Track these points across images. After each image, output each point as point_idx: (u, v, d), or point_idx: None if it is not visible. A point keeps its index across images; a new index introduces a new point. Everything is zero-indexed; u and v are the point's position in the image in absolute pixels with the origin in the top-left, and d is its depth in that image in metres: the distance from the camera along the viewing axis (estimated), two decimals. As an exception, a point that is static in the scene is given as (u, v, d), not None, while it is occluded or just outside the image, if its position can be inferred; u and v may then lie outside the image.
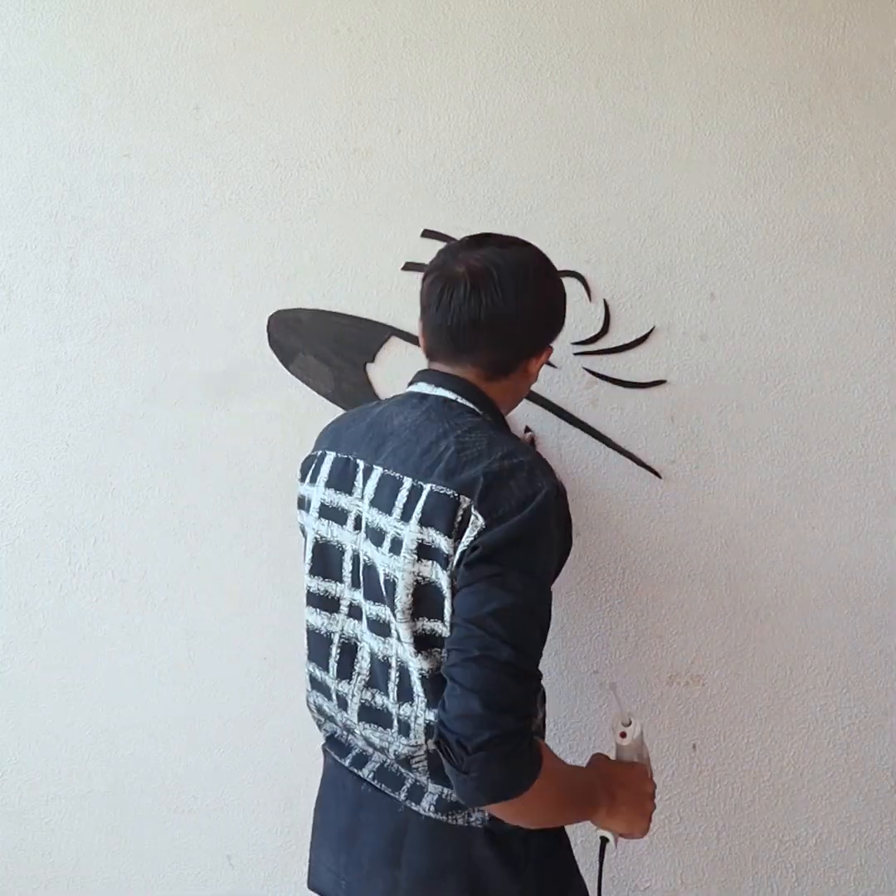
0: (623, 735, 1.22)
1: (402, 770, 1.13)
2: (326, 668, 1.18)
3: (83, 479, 1.62)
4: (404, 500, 1.06)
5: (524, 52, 1.54)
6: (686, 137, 1.56)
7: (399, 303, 1.57)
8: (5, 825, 1.70)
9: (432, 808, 1.10)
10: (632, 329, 1.58)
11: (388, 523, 1.07)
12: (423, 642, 1.06)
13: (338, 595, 1.17)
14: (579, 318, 1.57)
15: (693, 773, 1.66)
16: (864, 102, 1.56)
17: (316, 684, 1.22)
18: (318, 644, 1.19)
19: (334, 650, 1.17)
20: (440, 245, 1.56)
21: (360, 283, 1.57)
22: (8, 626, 1.66)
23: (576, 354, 1.58)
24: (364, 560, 1.11)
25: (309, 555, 1.20)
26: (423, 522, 1.04)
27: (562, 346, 1.58)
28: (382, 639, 1.11)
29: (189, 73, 1.56)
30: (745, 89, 1.55)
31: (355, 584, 1.15)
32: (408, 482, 1.07)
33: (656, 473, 1.60)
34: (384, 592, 1.08)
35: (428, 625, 1.05)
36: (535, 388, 1.58)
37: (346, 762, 1.19)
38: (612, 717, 1.26)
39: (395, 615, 1.06)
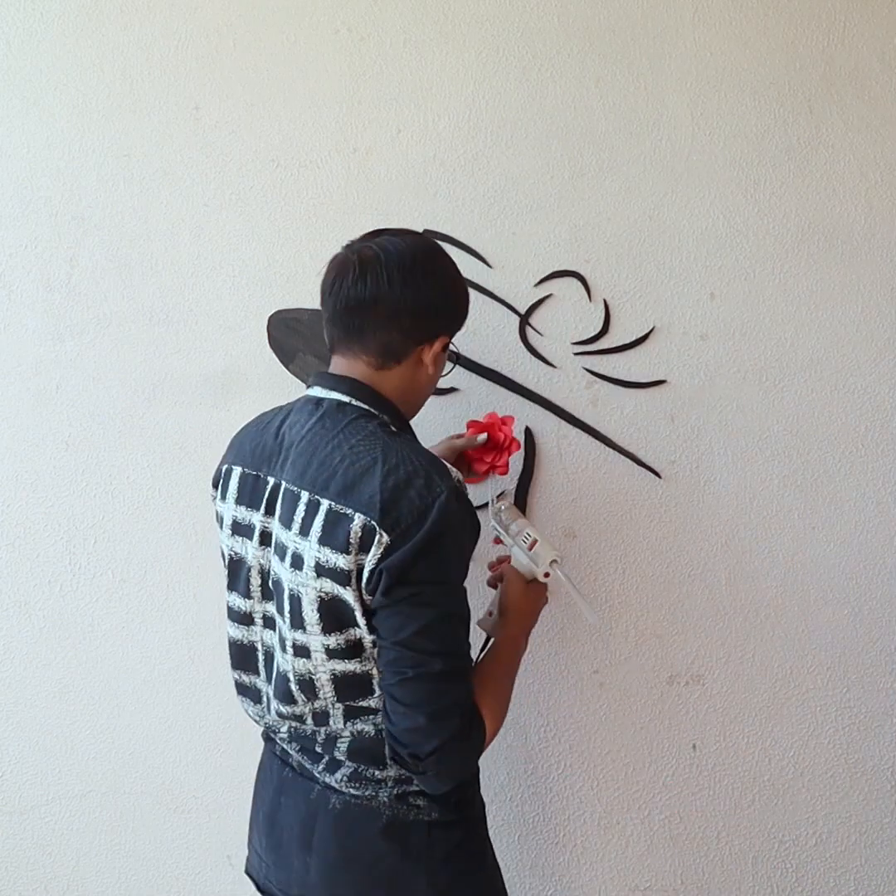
0: (546, 576, 1.27)
1: (320, 747, 1.15)
2: (257, 673, 1.20)
3: (83, 479, 1.62)
4: (302, 515, 1.07)
5: (524, 52, 1.54)
6: (686, 137, 1.56)
7: (399, 303, 1.56)
8: (5, 825, 1.70)
9: (345, 781, 1.13)
10: (632, 329, 1.58)
11: (289, 539, 1.08)
12: (334, 654, 1.08)
13: (249, 610, 1.18)
14: (579, 318, 1.57)
15: (693, 773, 1.66)
16: (864, 102, 1.56)
17: (243, 689, 1.23)
18: (242, 654, 1.21)
19: (260, 656, 1.19)
20: (440, 245, 1.56)
21: (360, 283, 1.57)
22: (8, 626, 1.66)
23: (576, 354, 1.58)
24: (272, 575, 1.13)
25: (225, 570, 1.21)
26: (321, 541, 1.04)
27: (562, 346, 1.58)
28: (281, 653, 1.13)
29: (189, 73, 1.56)
30: (745, 89, 1.55)
31: (265, 596, 1.16)
32: (304, 496, 1.07)
33: (656, 473, 1.60)
34: (289, 607, 1.09)
35: (340, 637, 1.07)
36: (534, 388, 1.58)
37: (278, 737, 1.21)
38: (539, 553, 1.27)
39: (303, 629, 1.08)
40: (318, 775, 1.16)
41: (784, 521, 1.61)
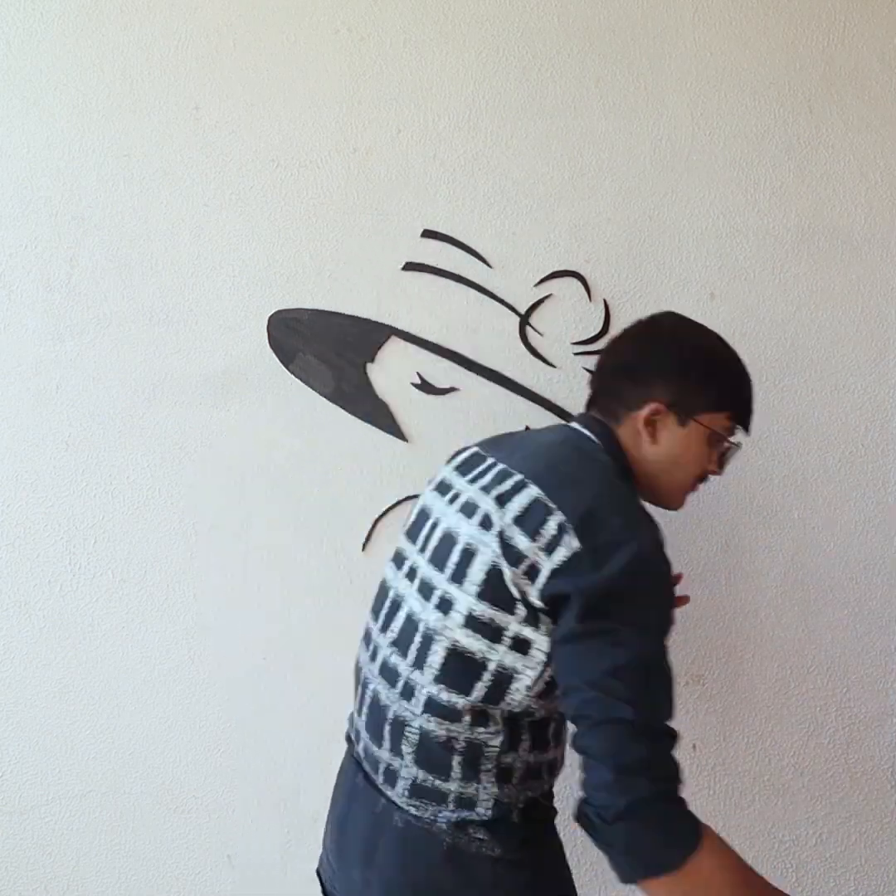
0: None
1: (382, 752, 1.13)
2: (377, 618, 1.20)
3: (83, 479, 1.62)
4: (507, 488, 1.07)
5: (524, 52, 1.54)
6: (686, 137, 1.56)
7: (399, 303, 1.57)
8: (5, 825, 1.70)
9: (406, 793, 1.10)
10: (632, 329, 1.58)
11: (485, 501, 1.08)
12: (472, 623, 1.04)
13: (406, 554, 1.19)
14: (579, 318, 1.57)
15: (693, 773, 1.65)
16: (864, 102, 1.56)
17: (364, 635, 1.24)
18: (379, 595, 1.22)
19: (387, 603, 1.19)
20: (440, 245, 1.56)
21: (360, 283, 1.57)
22: (8, 626, 1.66)
23: (576, 354, 1.58)
24: (447, 529, 1.12)
25: (412, 518, 1.23)
26: (515, 520, 1.03)
27: (562, 347, 1.58)
28: (423, 602, 1.11)
29: (189, 73, 1.56)
30: (745, 89, 1.55)
31: (423, 548, 1.15)
32: (516, 476, 1.08)
33: (656, 473, 1.60)
34: (454, 561, 1.08)
35: (488, 611, 1.03)
36: (534, 388, 1.58)
37: (353, 735, 1.22)
38: None
39: (460, 584, 1.06)
40: (379, 785, 1.13)
41: (784, 521, 1.61)
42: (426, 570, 1.13)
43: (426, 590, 1.11)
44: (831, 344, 1.59)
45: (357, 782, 1.18)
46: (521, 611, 1.02)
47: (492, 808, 1.09)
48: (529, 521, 1.03)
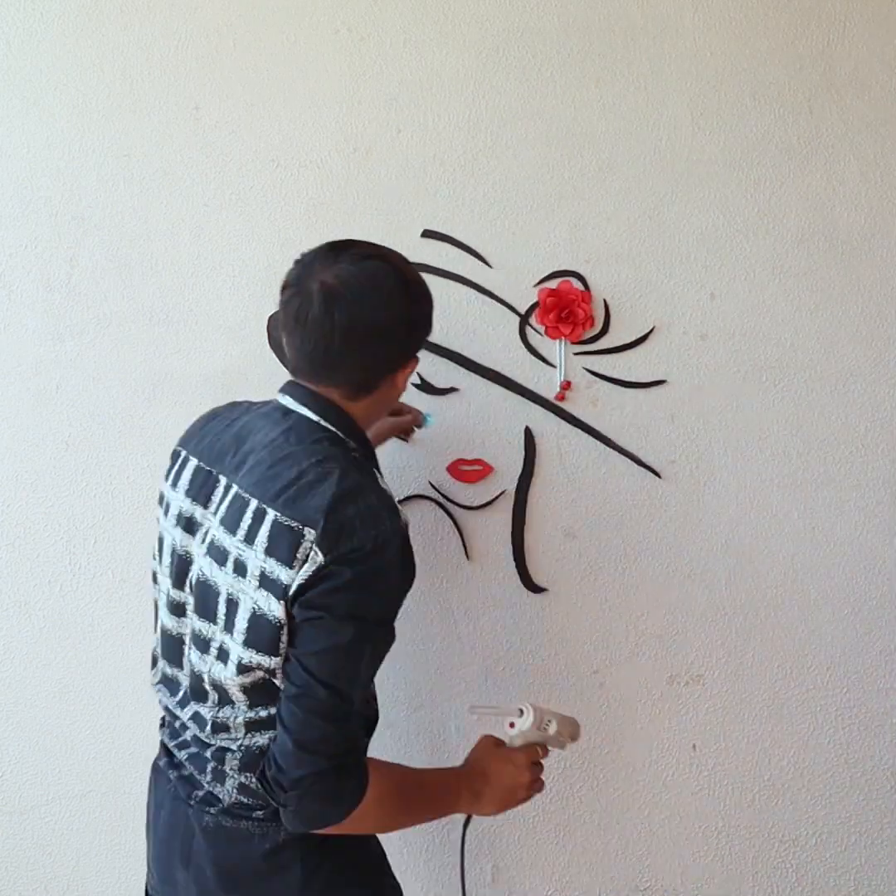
0: (511, 725, 1.24)
1: (208, 760, 1.14)
2: (181, 667, 1.18)
3: (83, 479, 1.62)
4: (249, 522, 1.05)
5: (524, 52, 1.54)
6: (686, 137, 1.56)
7: (399, 303, 1.57)
8: (5, 825, 1.70)
9: (235, 790, 1.11)
10: (632, 329, 1.58)
11: (232, 544, 1.07)
12: (245, 669, 1.06)
13: (183, 601, 1.16)
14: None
15: (693, 773, 1.66)
16: (864, 102, 1.56)
17: (164, 680, 1.23)
18: (170, 644, 1.20)
19: (186, 649, 1.17)
20: (440, 245, 1.56)
21: (360, 283, 1.57)
22: (8, 626, 1.66)
23: (576, 354, 1.58)
24: (199, 576, 1.11)
25: (167, 561, 1.18)
26: (267, 552, 1.03)
27: (562, 346, 1.58)
28: (200, 653, 1.11)
29: (189, 73, 1.56)
30: (745, 89, 1.55)
31: (180, 586, 1.16)
32: (253, 504, 1.06)
33: (656, 473, 1.60)
34: (223, 611, 1.08)
35: (255, 657, 1.05)
36: (534, 388, 1.58)
37: (172, 743, 1.21)
38: (535, 724, 1.24)
39: (231, 634, 1.07)
40: (205, 784, 1.14)
41: (784, 521, 1.61)
42: (196, 622, 1.12)
43: (202, 643, 1.12)
44: (831, 344, 1.59)
45: (169, 788, 1.20)
46: (284, 640, 1.05)
47: None
48: (281, 548, 1.03)
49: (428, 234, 1.56)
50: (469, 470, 1.58)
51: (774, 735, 1.65)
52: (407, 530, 1.09)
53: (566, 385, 1.57)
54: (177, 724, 1.21)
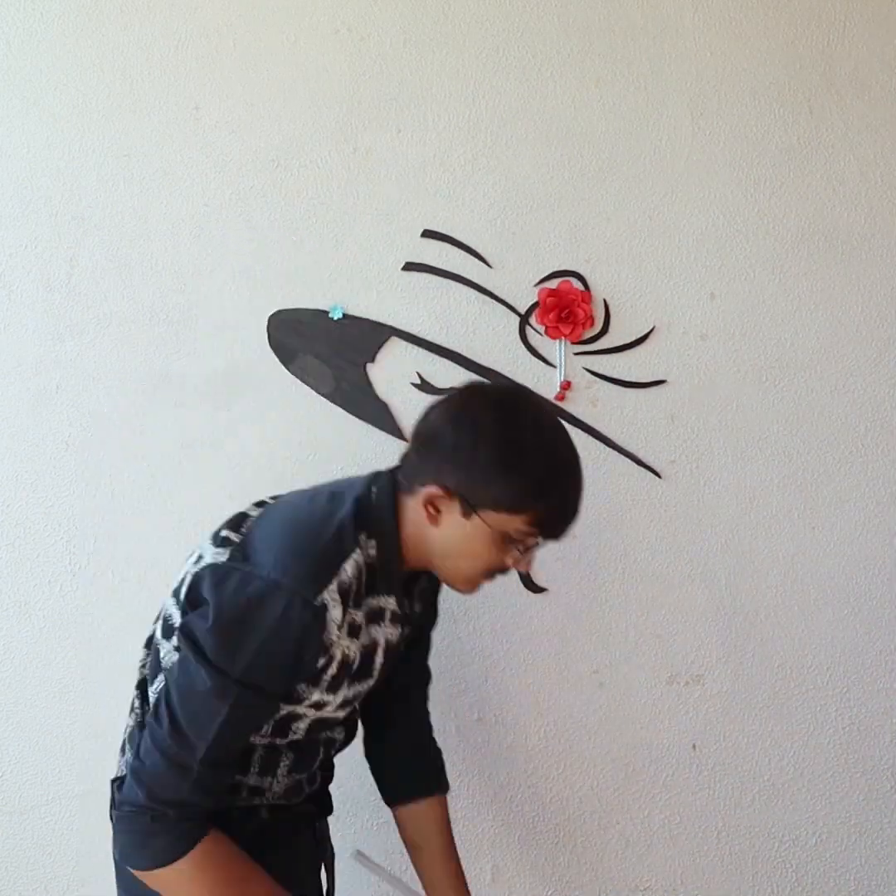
0: None
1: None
2: None
3: (83, 479, 1.62)
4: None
5: (524, 52, 1.54)
6: (686, 137, 1.56)
7: (399, 303, 1.57)
8: (5, 825, 1.70)
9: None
10: (632, 329, 1.58)
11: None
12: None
13: None
14: (579, 318, 1.57)
15: (693, 773, 1.65)
16: (864, 102, 1.56)
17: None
18: None
19: None
20: (440, 245, 1.56)
21: (360, 283, 1.57)
22: (8, 626, 1.65)
23: (576, 354, 1.58)
24: None
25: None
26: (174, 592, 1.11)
27: (563, 346, 1.58)
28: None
29: (189, 73, 1.56)
30: (745, 89, 1.55)
31: None
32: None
33: (656, 473, 1.60)
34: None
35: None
36: (534, 387, 1.57)
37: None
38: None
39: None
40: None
41: (784, 521, 1.61)
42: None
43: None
44: (831, 344, 1.59)
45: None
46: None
47: None
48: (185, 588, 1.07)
49: (428, 234, 1.56)
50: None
51: (774, 735, 1.65)
52: (321, 611, 0.99)
53: (566, 385, 1.57)
54: None
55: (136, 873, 1.03)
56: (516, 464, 1.02)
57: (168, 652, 1.08)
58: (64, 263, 1.59)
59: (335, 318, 1.54)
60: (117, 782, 1.05)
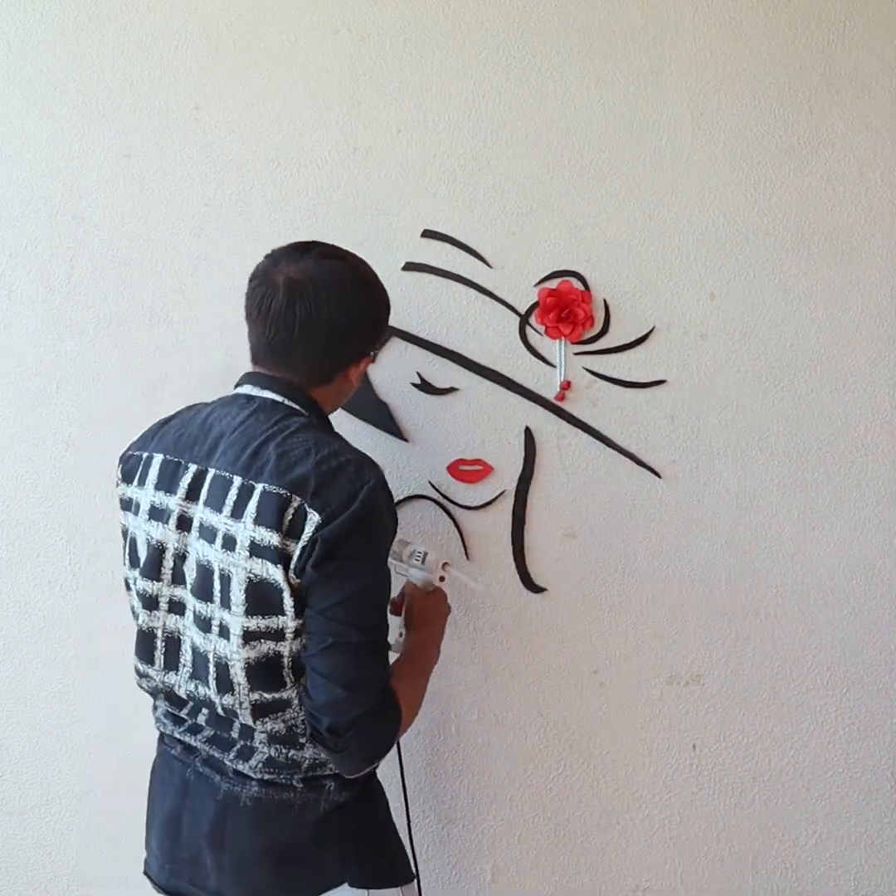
0: (441, 579, 1.38)
1: (234, 735, 1.17)
2: (151, 662, 1.22)
3: (83, 479, 1.62)
4: (235, 498, 1.11)
5: (524, 52, 1.54)
6: (686, 137, 1.56)
7: (399, 303, 1.56)
8: (5, 825, 1.70)
9: (260, 765, 1.15)
10: (632, 329, 1.58)
11: (219, 521, 1.12)
12: (251, 636, 1.10)
13: (156, 593, 1.19)
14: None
15: (693, 773, 1.66)
16: (864, 102, 1.56)
17: (141, 675, 1.26)
18: (143, 640, 1.22)
19: (159, 644, 1.21)
20: (440, 245, 1.56)
21: (360, 283, 1.57)
22: (8, 626, 1.66)
23: (576, 354, 1.58)
24: (197, 559, 1.15)
25: (143, 555, 1.20)
26: (257, 521, 1.09)
27: (563, 346, 1.58)
28: (203, 634, 1.15)
29: (189, 73, 1.56)
30: (745, 89, 1.55)
31: (175, 581, 1.18)
32: (238, 481, 1.11)
33: (656, 473, 1.60)
34: (217, 588, 1.12)
35: (262, 622, 1.10)
36: (534, 388, 1.58)
37: (177, 733, 1.23)
38: (431, 562, 1.37)
39: (228, 609, 1.11)
40: (228, 763, 1.17)
41: (784, 521, 1.61)
42: (195, 603, 1.15)
43: (203, 623, 1.15)
44: (831, 344, 1.59)
45: (187, 776, 1.21)
46: (288, 602, 1.09)
47: None
48: (270, 515, 1.08)
49: (428, 234, 1.56)
50: (469, 470, 1.58)
51: (774, 735, 1.65)
52: (384, 478, 1.17)
53: (566, 385, 1.58)
54: (183, 711, 1.23)
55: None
56: (383, 309, 1.30)
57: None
58: (64, 263, 1.59)
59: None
60: (326, 723, 1.08)
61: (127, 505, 1.24)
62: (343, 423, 1.58)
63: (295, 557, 1.08)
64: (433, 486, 1.59)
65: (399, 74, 1.55)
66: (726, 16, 1.54)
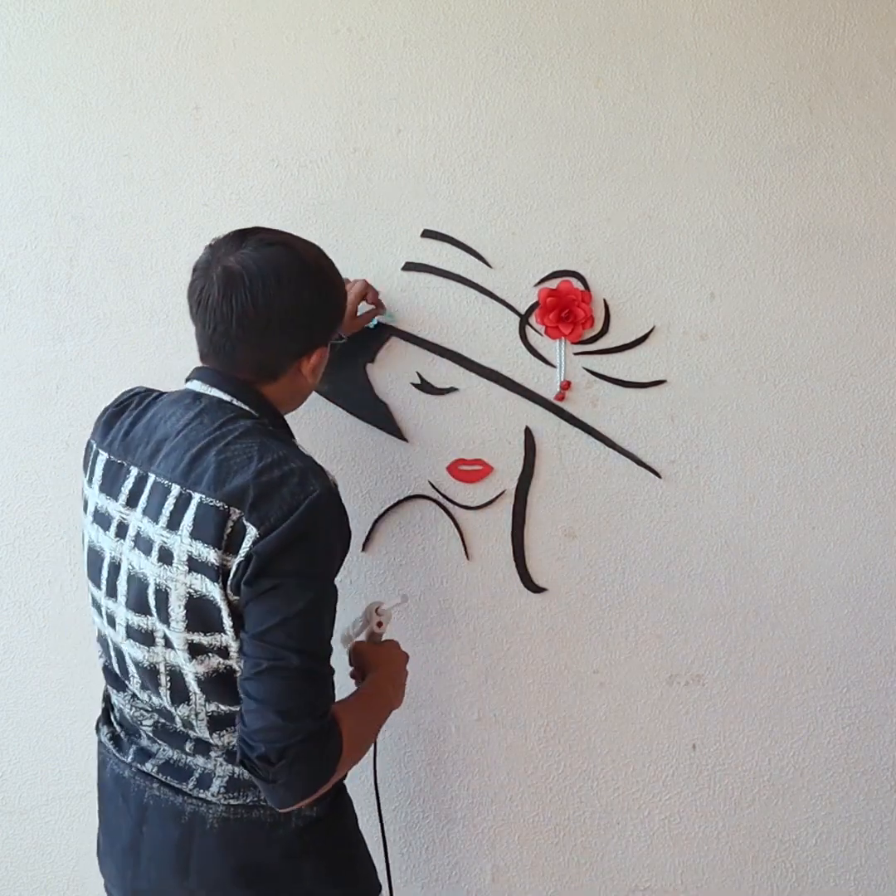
0: (380, 624, 1.33)
1: (190, 760, 1.13)
2: (111, 671, 1.20)
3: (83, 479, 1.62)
4: (171, 508, 1.06)
5: (524, 52, 1.54)
6: (686, 137, 1.56)
7: (399, 303, 1.57)
8: (5, 825, 1.70)
9: (223, 790, 1.10)
10: (632, 329, 1.58)
11: (156, 532, 1.07)
12: (197, 649, 1.07)
13: (100, 600, 1.16)
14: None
15: (693, 773, 1.66)
16: (864, 102, 1.56)
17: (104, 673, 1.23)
18: (100, 642, 1.21)
19: (112, 652, 1.18)
20: (440, 245, 1.56)
21: (360, 283, 1.57)
22: (8, 626, 1.66)
23: (576, 354, 1.58)
24: (130, 570, 1.10)
25: (88, 558, 1.18)
26: (193, 535, 1.03)
27: (563, 346, 1.58)
28: (146, 648, 1.11)
29: (189, 73, 1.56)
30: (745, 89, 1.55)
31: (110, 593, 1.13)
32: (175, 490, 1.06)
33: (656, 473, 1.60)
34: (153, 603, 1.07)
35: (204, 639, 1.06)
36: (534, 388, 1.58)
37: (128, 758, 1.18)
38: (366, 610, 1.33)
39: (168, 625, 1.07)
40: (189, 791, 1.12)
41: (784, 521, 1.61)
42: (131, 617, 1.11)
43: (142, 636, 1.11)
44: (831, 344, 1.59)
45: (145, 802, 1.15)
46: (227, 621, 1.04)
47: None
48: (207, 530, 1.03)
49: (428, 234, 1.56)
50: (469, 470, 1.58)
51: (774, 735, 1.65)
52: (336, 488, 1.10)
53: (566, 385, 1.58)
54: (130, 735, 1.19)
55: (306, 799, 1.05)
56: (335, 297, 1.22)
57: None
58: (64, 263, 1.59)
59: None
60: (257, 751, 1.01)
61: (84, 504, 1.20)
62: (343, 422, 1.58)
63: (231, 574, 1.02)
64: (433, 486, 1.59)
65: (399, 74, 1.55)
66: (726, 16, 1.54)
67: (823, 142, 1.56)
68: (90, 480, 1.18)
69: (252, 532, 1.01)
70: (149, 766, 1.15)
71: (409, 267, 1.56)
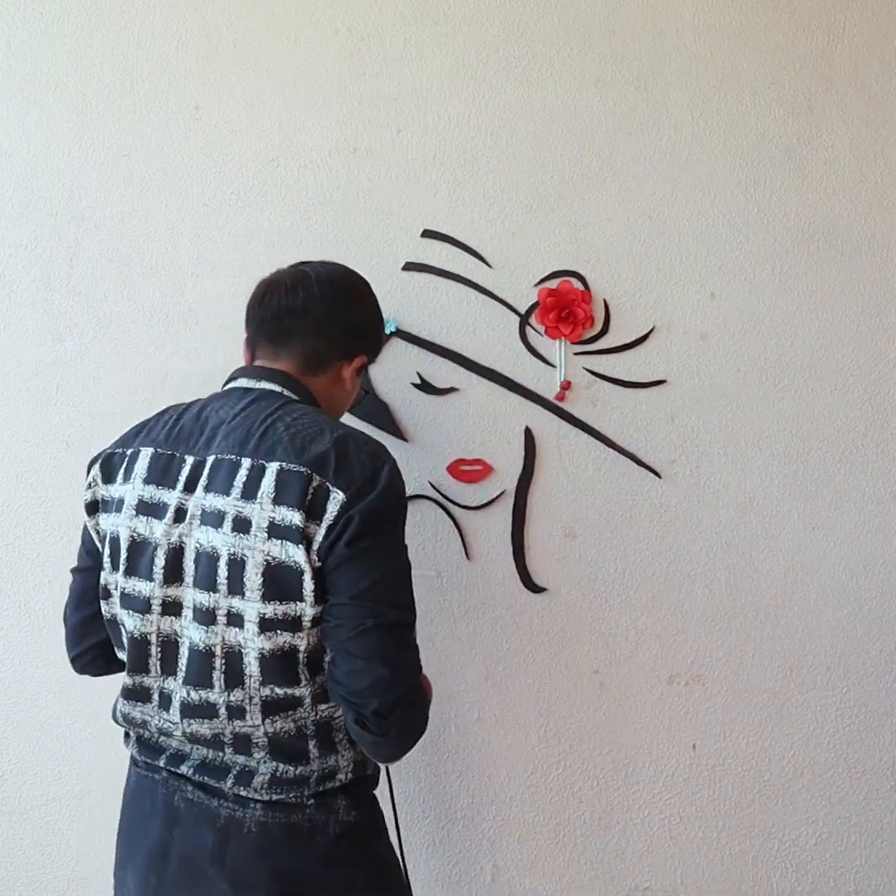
0: None
1: (229, 758, 1.11)
2: (147, 671, 1.13)
3: (83, 479, 1.61)
4: (244, 479, 1.07)
5: (524, 52, 1.54)
6: (686, 137, 1.56)
7: (399, 303, 1.57)
8: (5, 825, 1.70)
9: (265, 787, 1.09)
10: (632, 329, 1.58)
11: (228, 504, 1.07)
12: (268, 625, 1.06)
13: (148, 595, 1.11)
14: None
15: (693, 773, 1.66)
16: (864, 102, 1.56)
17: (128, 692, 1.16)
18: (136, 650, 1.13)
19: (154, 650, 1.13)
20: (440, 245, 1.57)
21: (360, 283, 1.57)
22: (8, 626, 1.66)
23: (576, 354, 1.58)
24: (197, 548, 1.08)
25: (123, 555, 1.13)
26: (276, 500, 1.05)
27: (563, 346, 1.58)
28: (206, 628, 1.08)
29: (189, 73, 1.56)
30: (745, 89, 1.55)
31: (168, 580, 1.10)
32: (247, 462, 1.08)
33: (656, 473, 1.60)
34: (224, 576, 1.06)
35: (279, 608, 1.06)
36: (534, 388, 1.58)
37: (161, 762, 1.15)
38: None
39: (241, 595, 1.06)
40: (227, 790, 1.10)
41: (784, 521, 1.61)
42: (195, 595, 1.09)
43: (204, 615, 1.08)
44: (831, 344, 1.59)
45: (176, 805, 1.13)
46: (308, 585, 1.05)
47: (351, 772, 1.14)
48: (290, 494, 1.05)
49: (428, 234, 1.56)
50: (469, 470, 1.58)
51: (774, 735, 1.65)
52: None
53: (566, 385, 1.58)
54: (162, 738, 1.15)
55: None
56: (381, 322, 1.34)
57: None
58: (64, 263, 1.59)
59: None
60: (370, 707, 1.05)
61: (106, 506, 1.18)
62: (344, 421, 1.58)
63: (319, 537, 1.04)
64: (433, 486, 1.59)
65: (399, 74, 1.55)
66: (726, 16, 1.54)
67: (823, 142, 1.56)
68: (127, 478, 1.16)
69: (339, 496, 1.05)
70: (184, 768, 1.13)
71: (409, 267, 1.56)
